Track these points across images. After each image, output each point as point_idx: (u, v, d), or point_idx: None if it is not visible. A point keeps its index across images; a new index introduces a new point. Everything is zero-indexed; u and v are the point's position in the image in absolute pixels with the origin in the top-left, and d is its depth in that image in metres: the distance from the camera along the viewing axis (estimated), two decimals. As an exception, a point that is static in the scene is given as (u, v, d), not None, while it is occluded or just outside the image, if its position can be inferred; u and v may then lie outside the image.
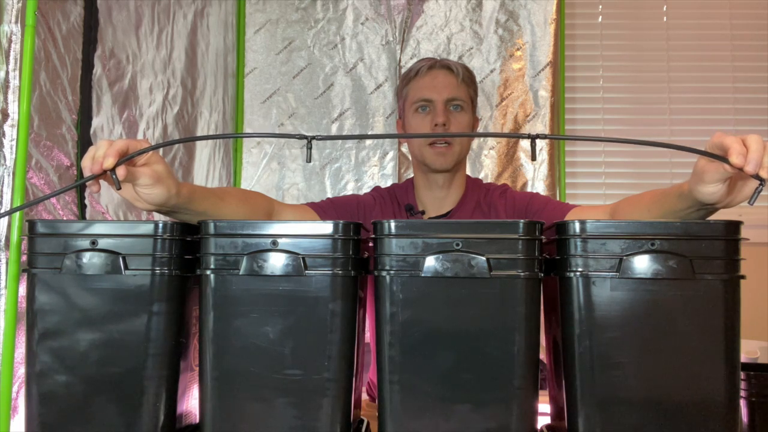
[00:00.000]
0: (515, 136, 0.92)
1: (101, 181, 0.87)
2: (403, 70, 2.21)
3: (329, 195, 2.26)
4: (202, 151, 1.98)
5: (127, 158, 0.84)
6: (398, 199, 1.45)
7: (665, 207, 0.97)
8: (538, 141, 0.84)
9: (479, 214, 1.40)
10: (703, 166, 0.85)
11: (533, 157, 0.85)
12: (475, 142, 2.22)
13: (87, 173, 0.84)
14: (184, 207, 0.94)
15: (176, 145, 1.79)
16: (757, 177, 0.78)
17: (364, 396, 1.34)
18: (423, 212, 1.42)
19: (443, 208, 1.43)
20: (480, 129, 1.56)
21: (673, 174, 2.42)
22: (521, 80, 2.24)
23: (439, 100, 1.38)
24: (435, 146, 1.37)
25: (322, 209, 1.36)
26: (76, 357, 0.85)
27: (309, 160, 0.87)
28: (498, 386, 0.80)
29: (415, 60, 2.18)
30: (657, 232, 0.80)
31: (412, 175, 1.51)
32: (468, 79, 1.42)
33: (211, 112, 2.03)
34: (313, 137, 0.86)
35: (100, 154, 0.83)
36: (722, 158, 0.80)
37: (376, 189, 1.49)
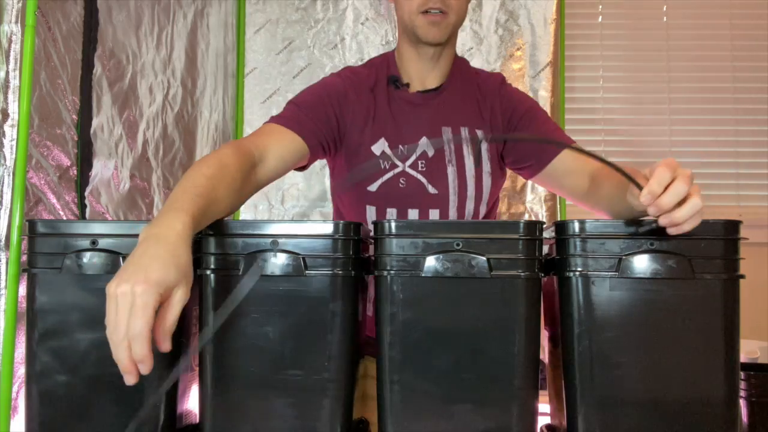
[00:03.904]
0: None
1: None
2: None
3: (329, 195, 2.25)
4: (203, 151, 1.98)
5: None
6: (377, 74, 1.31)
7: (624, 203, 0.91)
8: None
9: (472, 102, 1.30)
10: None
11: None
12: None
13: (121, 367, 0.70)
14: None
15: (176, 146, 1.79)
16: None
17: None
18: (408, 85, 1.31)
19: (429, 82, 1.31)
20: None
21: (673, 174, 2.41)
22: (521, 80, 2.24)
23: None
24: (428, 14, 1.22)
25: (292, 120, 1.21)
26: (76, 357, 0.85)
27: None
28: (498, 386, 0.80)
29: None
30: (656, 232, 0.79)
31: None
32: None
33: (211, 112, 2.03)
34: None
35: (130, 355, 0.69)
36: (637, 184, 0.78)
37: (346, 69, 1.35)
